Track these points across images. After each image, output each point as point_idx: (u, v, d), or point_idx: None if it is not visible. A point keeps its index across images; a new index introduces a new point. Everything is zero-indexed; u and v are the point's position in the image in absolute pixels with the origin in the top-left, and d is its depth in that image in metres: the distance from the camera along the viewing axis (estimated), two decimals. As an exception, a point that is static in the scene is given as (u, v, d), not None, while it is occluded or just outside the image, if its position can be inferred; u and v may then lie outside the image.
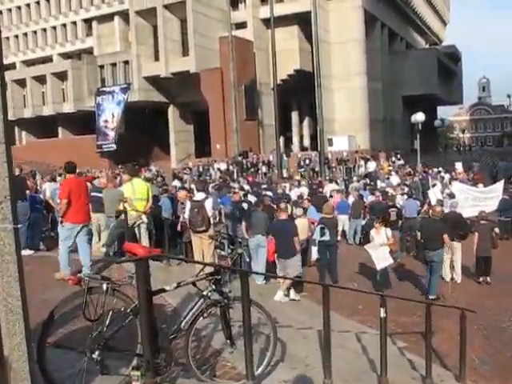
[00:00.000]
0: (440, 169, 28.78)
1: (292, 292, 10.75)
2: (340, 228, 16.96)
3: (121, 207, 10.74)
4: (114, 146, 48.60)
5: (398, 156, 37.38)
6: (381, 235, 12.24)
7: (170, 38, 48.26)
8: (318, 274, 12.90)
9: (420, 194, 22.49)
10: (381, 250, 11.90)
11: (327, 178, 31.27)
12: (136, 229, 10.95)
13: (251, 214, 12.59)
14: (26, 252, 11.28)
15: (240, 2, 50.26)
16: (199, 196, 11.05)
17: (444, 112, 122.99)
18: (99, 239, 11.88)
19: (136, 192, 10.72)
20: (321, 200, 18.46)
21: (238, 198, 14.97)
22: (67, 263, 9.13)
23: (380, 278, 12.11)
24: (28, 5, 63.81)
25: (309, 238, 13.04)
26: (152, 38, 50.22)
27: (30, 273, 9.14)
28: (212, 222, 10.79)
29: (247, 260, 11.51)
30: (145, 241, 10.96)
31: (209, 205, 10.69)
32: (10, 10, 65.63)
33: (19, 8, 64.73)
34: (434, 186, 20.85)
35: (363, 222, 17.88)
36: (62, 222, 9.22)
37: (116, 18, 56.91)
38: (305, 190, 22.08)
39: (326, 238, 12.33)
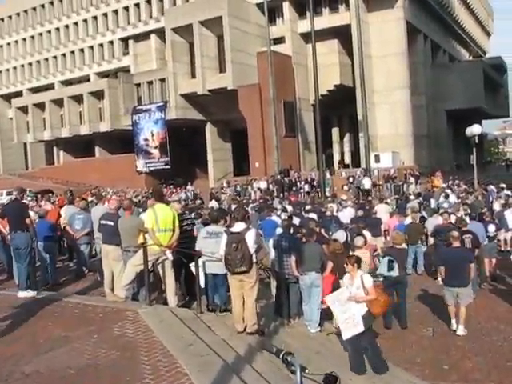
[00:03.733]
0: (503, 185, 26.40)
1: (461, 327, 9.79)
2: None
3: (141, 239, 9.01)
4: (165, 165, 49.99)
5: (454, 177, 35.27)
6: (354, 283, 8.01)
7: (207, 55, 47.37)
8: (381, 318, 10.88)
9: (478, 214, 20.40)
10: (349, 308, 7.85)
11: (372, 196, 29.48)
12: (159, 266, 9.24)
13: (301, 244, 10.69)
14: (26, 293, 9.87)
15: (277, 17, 49.08)
16: (238, 227, 8.35)
17: (486, 126, 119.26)
18: (111, 279, 9.72)
19: (159, 221, 8.92)
20: (375, 223, 16.79)
21: (287, 224, 12.65)
22: None
23: (352, 356, 8.04)
24: (66, 26, 64.28)
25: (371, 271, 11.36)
26: (188, 55, 49.47)
27: (20, 326, 7.64)
28: (254, 259, 8.23)
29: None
30: (170, 282, 9.22)
31: (251, 238, 8.13)
32: (49, 31, 66.05)
33: (57, 29, 65.12)
34: (510, 206, 18.64)
35: (424, 248, 15.99)
36: None
37: (152, 37, 56.68)
38: (350, 211, 20.25)
39: (395, 273, 10.45)
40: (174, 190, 41.98)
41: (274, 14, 48.02)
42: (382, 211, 19.64)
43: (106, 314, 8.43)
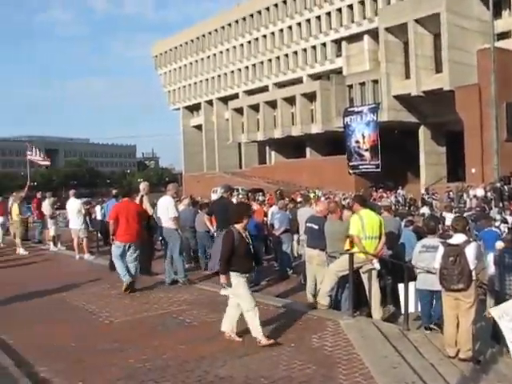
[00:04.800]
0: None
1: None
2: None
3: (347, 245, 8.51)
4: (375, 168, 49.34)
5: None
6: None
7: (422, 54, 45.47)
8: None
9: None
10: None
11: None
12: (364, 276, 8.61)
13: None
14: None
15: (504, 9, 45.44)
16: (457, 238, 7.33)
17: None
18: (315, 285, 9.36)
19: (366, 228, 8.39)
20: None
21: (510, 237, 11.12)
22: (125, 273, 10.03)
23: None
24: (281, 30, 66.29)
25: None
26: (402, 56, 47.95)
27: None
28: (474, 277, 7.16)
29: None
30: (375, 293, 8.52)
31: (471, 252, 7.07)
32: (264, 36, 68.79)
33: (272, 34, 67.50)
34: None
35: None
36: (112, 240, 10.25)
37: (365, 37, 56.17)
38: None
39: None
40: (384, 194, 40.92)
41: (499, 6, 44.51)
42: None
43: (307, 321, 7.98)
